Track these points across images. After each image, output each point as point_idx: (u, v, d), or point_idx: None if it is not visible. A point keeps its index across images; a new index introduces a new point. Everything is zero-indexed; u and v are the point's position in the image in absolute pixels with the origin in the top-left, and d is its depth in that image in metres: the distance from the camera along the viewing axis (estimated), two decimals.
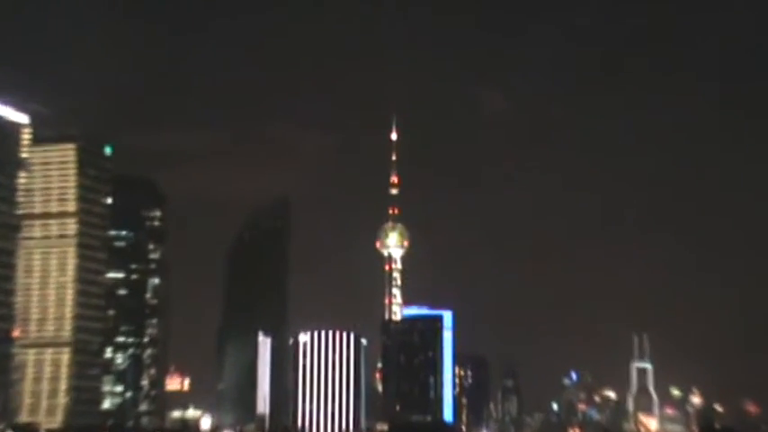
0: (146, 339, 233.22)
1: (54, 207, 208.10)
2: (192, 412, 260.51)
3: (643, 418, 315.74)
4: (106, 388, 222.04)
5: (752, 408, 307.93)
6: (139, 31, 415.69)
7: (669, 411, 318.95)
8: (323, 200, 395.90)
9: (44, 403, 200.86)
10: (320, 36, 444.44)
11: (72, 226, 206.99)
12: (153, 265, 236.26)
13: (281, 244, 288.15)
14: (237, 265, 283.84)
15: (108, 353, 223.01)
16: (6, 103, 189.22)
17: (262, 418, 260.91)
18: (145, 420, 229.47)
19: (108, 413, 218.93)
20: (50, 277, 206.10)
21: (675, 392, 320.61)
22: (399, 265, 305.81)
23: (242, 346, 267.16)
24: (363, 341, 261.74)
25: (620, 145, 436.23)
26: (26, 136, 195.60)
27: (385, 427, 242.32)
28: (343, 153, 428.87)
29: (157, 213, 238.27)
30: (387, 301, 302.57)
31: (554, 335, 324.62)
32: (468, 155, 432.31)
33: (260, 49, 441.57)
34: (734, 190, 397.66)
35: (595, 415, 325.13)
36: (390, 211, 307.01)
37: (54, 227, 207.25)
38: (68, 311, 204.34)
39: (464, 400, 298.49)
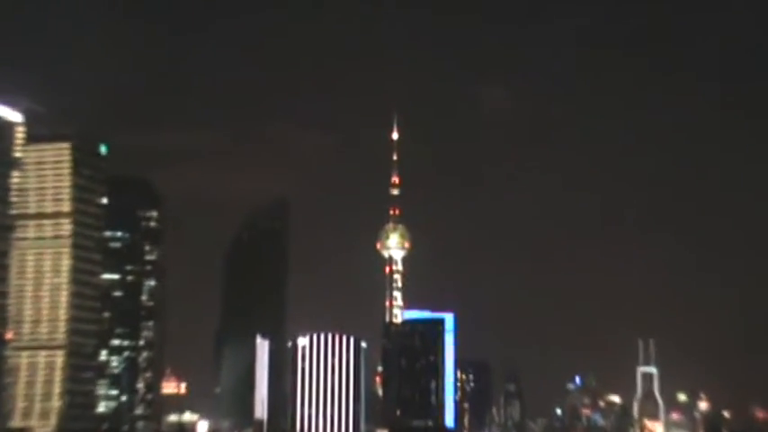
0: (141, 342, 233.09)
1: (48, 207, 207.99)
2: (188, 416, 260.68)
3: (649, 423, 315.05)
4: (101, 391, 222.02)
5: (760, 413, 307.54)
6: (139, 31, 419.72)
7: (675, 417, 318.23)
8: (322, 200, 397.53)
9: (37, 407, 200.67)
10: (320, 36, 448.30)
11: (66, 226, 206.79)
12: (149, 267, 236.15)
13: (280, 245, 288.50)
14: (235, 266, 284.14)
15: (103, 356, 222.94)
16: (0, 101, 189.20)
17: (260, 423, 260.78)
18: (140, 425, 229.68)
19: (103, 417, 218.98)
20: (44, 278, 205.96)
21: (682, 397, 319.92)
22: (400, 267, 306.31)
23: (240, 350, 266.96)
24: (363, 344, 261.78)
25: (620, 145, 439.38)
26: (20, 134, 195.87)
27: None
28: (343, 153, 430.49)
29: (154, 214, 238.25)
30: (387, 303, 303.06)
31: (558, 338, 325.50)
32: (470, 154, 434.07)
33: (260, 49, 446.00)
34: (734, 190, 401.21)
35: (600, 420, 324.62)
36: (391, 212, 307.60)
37: (48, 227, 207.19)
38: (62, 313, 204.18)
39: (466, 405, 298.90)
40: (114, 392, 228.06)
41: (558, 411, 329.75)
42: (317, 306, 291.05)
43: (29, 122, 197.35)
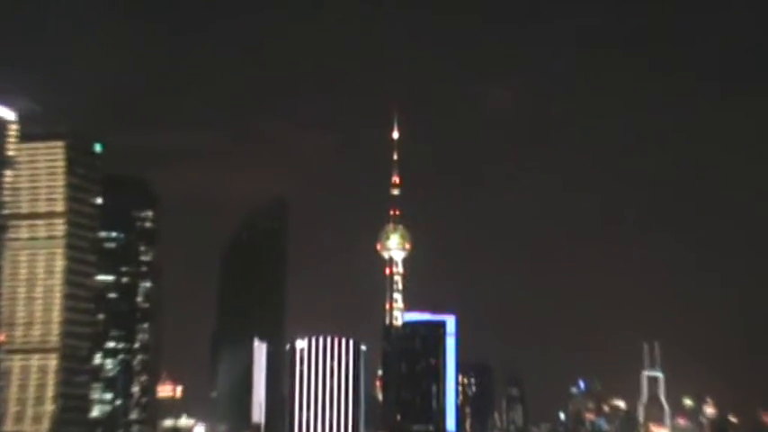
0: (136, 345, 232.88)
1: (41, 207, 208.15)
2: (184, 421, 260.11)
3: (654, 428, 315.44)
4: (95, 395, 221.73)
5: (767, 418, 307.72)
6: (139, 31, 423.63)
7: (681, 422, 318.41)
8: (322, 200, 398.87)
9: (30, 411, 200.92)
10: (320, 36, 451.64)
11: (60, 227, 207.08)
12: (144, 268, 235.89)
13: (278, 246, 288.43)
14: (232, 267, 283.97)
15: (97, 359, 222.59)
16: None
17: (257, 427, 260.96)
18: (135, 429, 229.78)
19: (97, 421, 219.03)
20: (37, 280, 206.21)
21: (688, 402, 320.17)
22: (401, 269, 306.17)
23: (237, 353, 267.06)
24: (363, 347, 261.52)
25: (621, 145, 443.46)
26: (13, 133, 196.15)
27: None
28: (343, 153, 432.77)
29: (149, 214, 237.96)
30: (387, 305, 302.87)
31: (561, 341, 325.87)
32: (470, 154, 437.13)
33: (260, 49, 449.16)
34: (734, 190, 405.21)
35: (604, 425, 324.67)
36: (391, 212, 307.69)
37: (41, 227, 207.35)
38: (56, 316, 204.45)
39: (468, 410, 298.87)
40: (109, 396, 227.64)
41: (562, 416, 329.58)
42: (315, 308, 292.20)
43: (23, 121, 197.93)
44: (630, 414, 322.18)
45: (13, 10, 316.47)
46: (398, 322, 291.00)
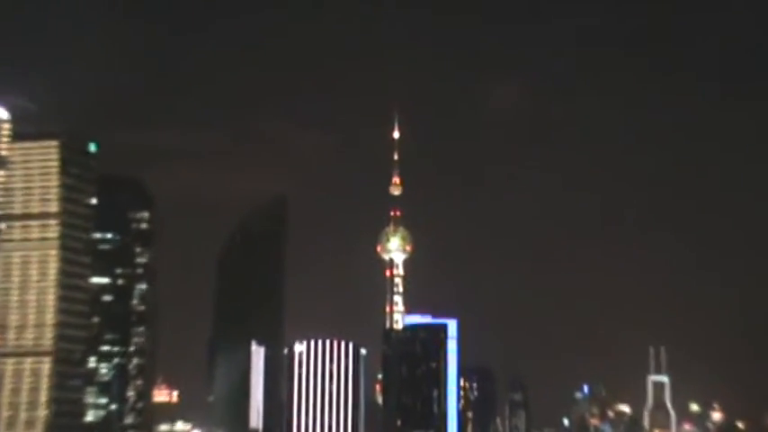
0: (132, 348, 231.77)
1: (35, 207, 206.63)
2: (180, 426, 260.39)
3: None
4: (89, 400, 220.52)
5: None
6: (139, 31, 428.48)
7: (687, 428, 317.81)
8: (322, 200, 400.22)
9: (23, 416, 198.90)
10: (320, 36, 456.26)
11: (54, 228, 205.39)
12: (140, 270, 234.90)
13: (277, 247, 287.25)
14: (230, 270, 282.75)
15: (91, 363, 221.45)
16: None
17: None
18: None
19: (91, 426, 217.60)
20: (31, 282, 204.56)
21: (694, 408, 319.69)
22: (401, 271, 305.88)
23: (234, 356, 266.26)
24: (363, 351, 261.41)
25: (621, 145, 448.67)
26: (6, 132, 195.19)
27: None
28: (343, 153, 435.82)
29: (145, 215, 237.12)
30: (388, 308, 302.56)
31: (564, 345, 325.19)
32: (470, 154, 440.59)
33: (260, 49, 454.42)
34: (734, 190, 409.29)
35: (609, 431, 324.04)
36: (392, 213, 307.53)
37: (35, 228, 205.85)
38: (49, 318, 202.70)
39: (469, 415, 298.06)
40: (103, 401, 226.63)
41: (566, 422, 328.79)
42: (314, 311, 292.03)
43: (16, 120, 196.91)
44: (636, 420, 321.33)
45: (13, 10, 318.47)
46: (399, 325, 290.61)
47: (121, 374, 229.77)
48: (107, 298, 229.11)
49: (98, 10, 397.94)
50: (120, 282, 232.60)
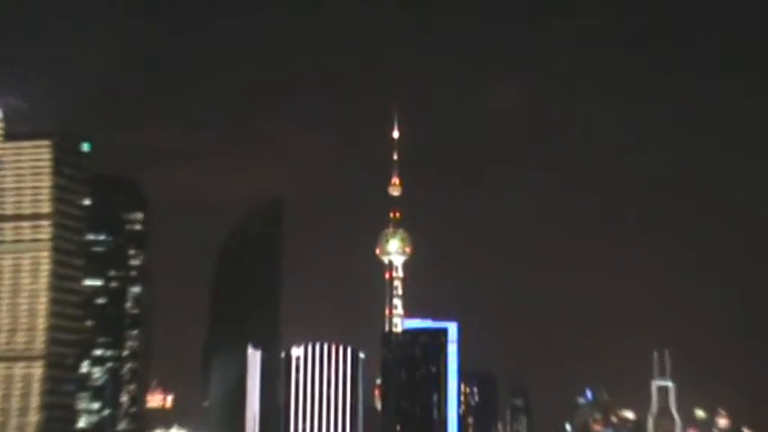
0: (125, 352, 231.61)
1: (27, 208, 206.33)
2: None
3: None
4: (82, 405, 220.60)
5: None
6: (139, 31, 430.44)
7: None
8: (322, 201, 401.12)
9: (14, 422, 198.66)
10: (320, 36, 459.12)
11: (46, 229, 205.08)
12: (134, 272, 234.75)
13: (274, 249, 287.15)
14: (226, 272, 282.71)
15: (84, 367, 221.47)
16: None
17: None
18: None
19: None
20: (22, 284, 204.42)
21: (700, 413, 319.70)
22: (401, 274, 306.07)
23: (230, 361, 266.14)
24: (361, 355, 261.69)
25: (621, 145, 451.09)
26: None
27: None
28: (343, 153, 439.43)
29: (139, 216, 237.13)
30: (387, 311, 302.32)
31: (566, 349, 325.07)
32: (470, 154, 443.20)
33: (260, 49, 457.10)
34: (734, 190, 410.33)
35: None
36: (391, 215, 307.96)
37: (26, 230, 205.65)
38: (41, 322, 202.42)
39: (470, 420, 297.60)
40: (96, 406, 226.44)
41: (568, 427, 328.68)
42: (312, 314, 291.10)
43: (7, 119, 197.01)
44: (640, 425, 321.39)
45: (12, 10, 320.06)
46: (398, 329, 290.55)
47: (115, 379, 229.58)
48: (100, 301, 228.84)
49: (98, 10, 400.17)
50: (113, 284, 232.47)
